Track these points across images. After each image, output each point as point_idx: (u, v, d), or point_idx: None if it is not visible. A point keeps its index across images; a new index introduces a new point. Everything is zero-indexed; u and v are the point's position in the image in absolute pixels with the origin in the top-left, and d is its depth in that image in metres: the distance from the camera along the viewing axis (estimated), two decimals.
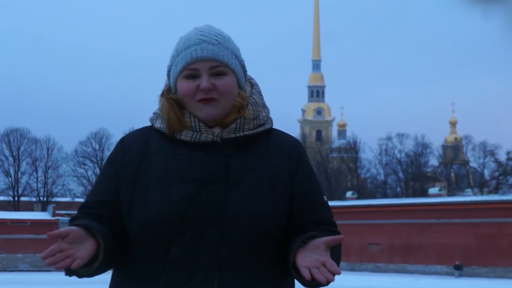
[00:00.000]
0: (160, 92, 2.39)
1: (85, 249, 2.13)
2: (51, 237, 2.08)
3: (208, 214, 2.21)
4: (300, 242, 2.20)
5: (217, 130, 2.30)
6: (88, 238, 2.16)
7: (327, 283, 2.13)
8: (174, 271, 2.20)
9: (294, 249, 2.20)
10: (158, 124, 2.35)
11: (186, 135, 2.30)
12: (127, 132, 2.49)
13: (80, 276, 2.19)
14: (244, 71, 2.39)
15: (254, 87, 2.43)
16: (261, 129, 2.35)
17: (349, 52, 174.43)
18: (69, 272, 2.15)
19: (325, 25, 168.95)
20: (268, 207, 2.25)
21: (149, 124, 2.40)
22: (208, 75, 2.29)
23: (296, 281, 2.37)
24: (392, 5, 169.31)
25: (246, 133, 2.31)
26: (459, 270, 52.44)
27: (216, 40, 2.32)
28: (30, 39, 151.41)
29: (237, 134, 2.31)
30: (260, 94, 2.42)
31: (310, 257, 2.15)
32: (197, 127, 2.30)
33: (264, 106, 2.40)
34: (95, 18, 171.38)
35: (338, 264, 2.25)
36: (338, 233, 2.33)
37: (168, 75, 2.38)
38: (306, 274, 2.11)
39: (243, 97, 2.34)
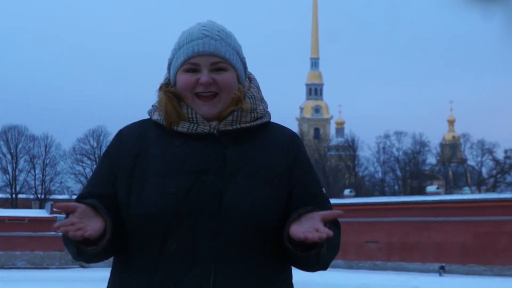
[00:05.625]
0: (158, 86, 2.39)
1: (94, 224, 2.15)
2: (59, 208, 2.11)
3: (204, 206, 2.21)
4: (295, 215, 2.20)
5: (214, 123, 2.31)
6: (95, 216, 2.17)
7: (320, 241, 2.10)
8: (171, 264, 2.20)
9: (289, 221, 2.19)
10: (155, 116, 2.35)
11: (183, 127, 2.30)
12: None
13: (87, 256, 2.21)
14: (245, 68, 2.40)
15: (252, 81, 2.43)
16: (258, 122, 2.35)
17: (348, 50, 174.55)
18: (77, 250, 2.18)
19: (323, 23, 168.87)
20: (264, 199, 2.24)
21: (147, 117, 2.40)
22: (209, 71, 2.30)
23: (294, 280, 2.37)
24: (390, 3, 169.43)
25: (243, 125, 2.32)
26: (441, 270, 52.90)
27: (219, 36, 2.33)
28: (27, 37, 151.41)
29: (234, 127, 2.31)
30: (258, 89, 2.42)
31: (304, 225, 2.15)
32: (195, 119, 2.30)
33: (262, 100, 2.40)
34: (94, 16, 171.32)
35: (333, 254, 2.25)
36: (338, 222, 2.34)
37: (169, 68, 2.39)
38: (299, 233, 2.11)
39: (241, 90, 2.35)
